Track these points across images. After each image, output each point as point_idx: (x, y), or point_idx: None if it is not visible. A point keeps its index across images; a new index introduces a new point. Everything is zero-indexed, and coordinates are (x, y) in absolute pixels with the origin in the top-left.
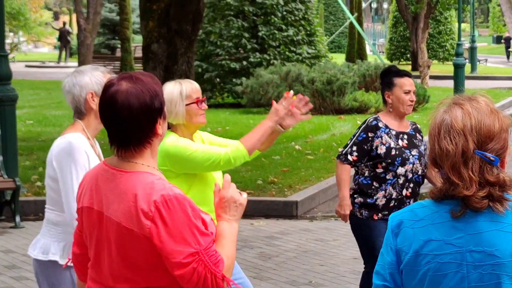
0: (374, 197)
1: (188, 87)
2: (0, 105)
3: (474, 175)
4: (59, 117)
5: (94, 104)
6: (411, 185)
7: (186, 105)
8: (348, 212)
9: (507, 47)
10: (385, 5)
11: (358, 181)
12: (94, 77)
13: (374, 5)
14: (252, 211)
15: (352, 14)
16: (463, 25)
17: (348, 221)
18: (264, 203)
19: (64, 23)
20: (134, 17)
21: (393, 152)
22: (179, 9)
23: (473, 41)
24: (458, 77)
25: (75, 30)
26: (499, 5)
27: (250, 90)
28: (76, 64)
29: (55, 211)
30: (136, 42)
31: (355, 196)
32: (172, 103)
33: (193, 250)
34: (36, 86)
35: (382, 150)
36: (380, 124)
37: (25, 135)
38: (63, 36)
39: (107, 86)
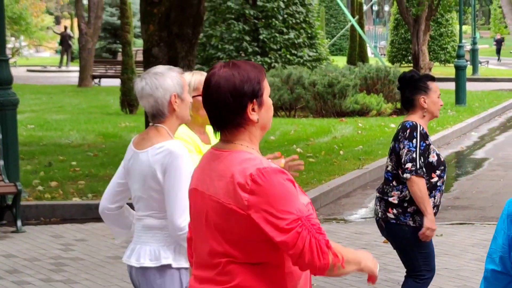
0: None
1: (197, 79)
2: (1, 110)
3: None
4: (61, 122)
5: (177, 105)
6: None
7: (193, 96)
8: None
9: (498, 48)
10: (386, 8)
11: (403, 191)
12: (175, 79)
13: (375, 8)
14: None
15: (353, 16)
16: (464, 27)
17: (385, 234)
18: None
19: (66, 28)
20: (135, 21)
21: (442, 158)
22: (179, 12)
23: (474, 43)
24: (459, 79)
25: (76, 34)
26: (500, 7)
27: None
28: (77, 68)
29: (158, 218)
30: (138, 46)
31: (405, 205)
32: None
33: (295, 217)
34: (37, 91)
35: (434, 158)
36: (425, 131)
37: (26, 140)
38: (65, 40)
39: (208, 71)
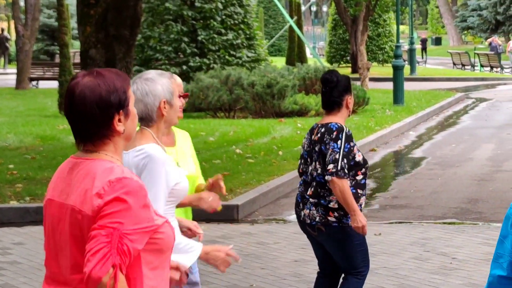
0: (359, 204)
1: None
2: None
3: None
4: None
5: (166, 111)
6: None
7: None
8: (366, 222)
9: (424, 48)
10: (324, 8)
11: None
12: (165, 85)
13: (313, 8)
14: (193, 216)
15: (292, 17)
16: (401, 27)
17: (324, 235)
18: None
19: (2, 30)
20: (73, 23)
21: (363, 156)
22: (116, 14)
23: (412, 43)
24: (397, 79)
25: (13, 36)
26: (437, 7)
27: (190, 95)
28: (15, 70)
29: None
30: (76, 48)
31: (339, 207)
32: None
33: (116, 226)
34: None
35: (360, 157)
36: (351, 132)
37: None
38: (1, 42)
39: (71, 80)
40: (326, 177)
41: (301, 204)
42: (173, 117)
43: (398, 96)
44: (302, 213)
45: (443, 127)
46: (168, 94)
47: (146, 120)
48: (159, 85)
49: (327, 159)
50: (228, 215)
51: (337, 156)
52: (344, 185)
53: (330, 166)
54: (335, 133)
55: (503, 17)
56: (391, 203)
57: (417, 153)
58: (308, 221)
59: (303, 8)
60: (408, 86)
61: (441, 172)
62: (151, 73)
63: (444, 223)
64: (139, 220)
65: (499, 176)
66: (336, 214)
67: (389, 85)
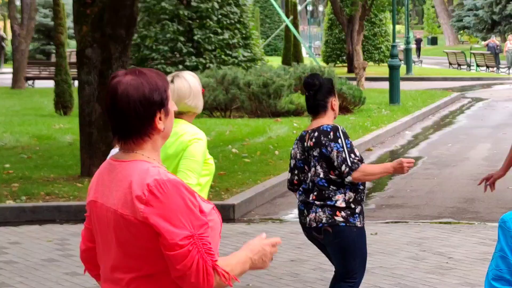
0: (361, 197)
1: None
2: None
3: None
4: None
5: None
6: None
7: None
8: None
9: (418, 47)
10: (320, 8)
11: (347, 192)
12: None
13: (309, 8)
14: None
15: (288, 17)
16: (397, 27)
17: (331, 234)
18: None
19: None
20: (69, 22)
21: (359, 153)
22: (112, 13)
23: (408, 42)
24: (393, 79)
25: (9, 36)
26: (433, 7)
27: None
28: (11, 70)
29: None
30: (72, 47)
31: (352, 207)
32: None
33: (188, 233)
34: None
35: (358, 153)
36: (345, 130)
37: None
38: None
39: (111, 78)
40: (347, 180)
41: (305, 211)
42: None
43: (394, 95)
44: (308, 219)
45: (439, 126)
46: None
47: None
48: None
49: (336, 163)
50: (224, 214)
51: (343, 155)
52: (364, 170)
53: (343, 168)
54: (331, 133)
55: (499, 17)
56: (387, 202)
57: (413, 152)
58: (314, 225)
59: (299, 7)
60: (404, 85)
61: (437, 172)
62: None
63: (440, 222)
64: (191, 210)
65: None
66: (343, 213)
67: (385, 85)
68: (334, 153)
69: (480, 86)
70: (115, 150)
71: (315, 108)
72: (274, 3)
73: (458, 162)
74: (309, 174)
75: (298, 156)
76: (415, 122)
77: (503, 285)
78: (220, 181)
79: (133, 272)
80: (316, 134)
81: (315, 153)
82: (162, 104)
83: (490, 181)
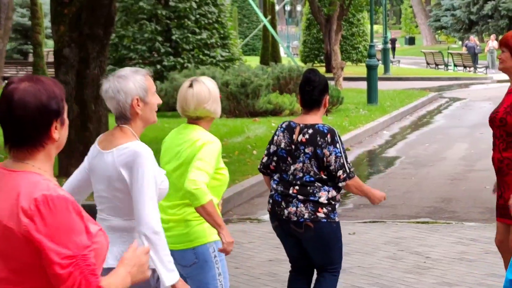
0: (338, 199)
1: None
2: None
3: None
4: None
5: (140, 109)
6: None
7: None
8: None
9: (392, 47)
10: (298, 8)
11: (330, 191)
12: (138, 82)
13: (287, 8)
14: None
15: (266, 16)
16: (375, 27)
17: (312, 230)
18: None
19: None
20: (47, 22)
21: None
22: (90, 13)
23: (385, 42)
24: (371, 79)
25: None
26: (411, 7)
27: (164, 94)
28: None
29: (125, 219)
30: (49, 47)
31: (333, 203)
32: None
33: (71, 253)
34: None
35: None
36: None
37: None
38: None
39: (7, 84)
40: (341, 184)
41: (283, 203)
42: (150, 116)
43: (372, 95)
44: (286, 212)
45: (416, 126)
46: (141, 91)
47: (121, 118)
48: (131, 82)
49: (333, 167)
50: None
51: (342, 161)
52: (358, 183)
53: (340, 173)
54: (329, 135)
55: (476, 17)
56: (365, 202)
57: (391, 152)
58: (295, 219)
59: (277, 7)
60: (382, 85)
61: (415, 172)
62: (125, 70)
63: (418, 222)
64: (76, 229)
65: (472, 175)
66: (325, 210)
67: (363, 85)
68: (332, 158)
69: (457, 86)
70: (139, 143)
71: (312, 103)
72: (252, 3)
73: (436, 162)
74: (292, 167)
75: (282, 145)
76: (393, 122)
77: None
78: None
79: (16, 286)
80: (311, 131)
81: (307, 151)
82: (59, 113)
83: None
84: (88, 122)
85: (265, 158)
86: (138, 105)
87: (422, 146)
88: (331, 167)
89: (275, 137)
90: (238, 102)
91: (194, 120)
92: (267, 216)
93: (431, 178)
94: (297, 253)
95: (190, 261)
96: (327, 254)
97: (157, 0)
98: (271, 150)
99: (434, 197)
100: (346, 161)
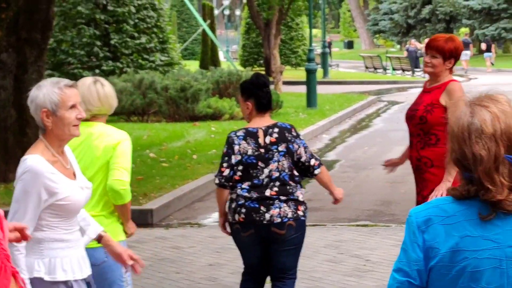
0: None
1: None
2: None
3: (505, 179)
4: None
5: (49, 122)
6: None
7: None
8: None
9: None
10: (237, 12)
11: (302, 190)
12: (48, 95)
13: (226, 12)
14: None
15: (205, 21)
16: (314, 31)
17: (285, 231)
18: None
19: None
20: None
21: None
22: (27, 17)
23: (324, 46)
24: (310, 83)
25: None
26: (349, 11)
27: None
28: None
29: (35, 229)
30: None
31: (306, 203)
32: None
33: None
34: None
35: None
36: None
37: None
38: None
39: None
40: (316, 171)
41: (262, 208)
42: (62, 132)
43: (311, 99)
44: (268, 215)
45: (356, 130)
46: (50, 104)
47: (40, 128)
48: (42, 93)
49: (305, 158)
50: (142, 219)
51: (310, 150)
52: (325, 170)
53: (313, 161)
54: (293, 130)
55: (414, 21)
56: None
57: (330, 156)
58: (279, 220)
59: (216, 11)
60: (321, 89)
61: (354, 175)
62: (46, 81)
63: (358, 225)
64: None
65: (411, 178)
66: (302, 208)
67: (303, 89)
68: (302, 149)
69: (396, 90)
70: (35, 157)
71: (267, 106)
72: (191, 7)
73: (375, 165)
74: (266, 170)
75: (249, 152)
76: (332, 125)
77: (401, 276)
78: (138, 186)
79: None
80: (276, 130)
81: (281, 148)
82: None
83: (390, 163)
84: (26, 127)
85: (227, 171)
86: (48, 118)
87: (361, 149)
88: (303, 159)
89: (236, 147)
90: (178, 107)
91: (96, 117)
92: (207, 221)
93: (371, 181)
94: (259, 262)
95: (100, 260)
96: (296, 256)
97: (96, 4)
98: (234, 161)
99: (374, 200)
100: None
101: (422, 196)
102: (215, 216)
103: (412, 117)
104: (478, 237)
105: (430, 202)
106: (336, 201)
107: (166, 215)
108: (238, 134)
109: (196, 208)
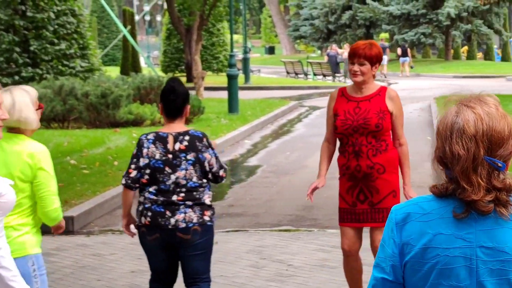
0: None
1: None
2: None
3: (483, 180)
4: None
5: None
6: None
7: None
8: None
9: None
10: (158, 18)
11: (209, 193)
12: None
13: (147, 18)
14: None
15: (125, 27)
16: (235, 37)
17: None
18: None
19: None
20: None
21: None
22: None
23: (246, 52)
24: (231, 88)
25: None
26: (270, 16)
27: None
28: None
29: None
30: None
31: (213, 206)
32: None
33: None
34: None
35: None
36: None
37: None
38: None
39: None
40: (222, 181)
41: (168, 212)
42: None
43: (233, 105)
44: (173, 220)
45: (277, 135)
46: None
47: None
48: None
49: (215, 168)
50: None
51: (219, 161)
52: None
53: (221, 172)
54: (204, 139)
55: (334, 26)
56: (227, 211)
57: (252, 161)
58: (184, 225)
59: (136, 17)
60: (243, 95)
61: (276, 180)
62: None
63: (280, 230)
64: None
65: (333, 183)
66: (209, 213)
67: (224, 94)
68: (213, 159)
69: (317, 95)
70: None
71: (177, 112)
72: (111, 13)
73: (297, 170)
74: (173, 176)
75: (157, 156)
76: (254, 131)
77: (377, 272)
78: (58, 193)
79: None
80: (187, 138)
81: (189, 157)
82: None
83: (312, 189)
84: None
85: (134, 173)
86: None
87: (283, 154)
88: (214, 169)
89: (145, 150)
90: (99, 113)
91: (13, 129)
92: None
93: (293, 186)
94: (166, 267)
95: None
96: (206, 260)
97: (14, 10)
98: (142, 164)
99: (296, 205)
100: (221, 160)
101: (371, 204)
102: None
103: (363, 126)
104: (451, 235)
105: (412, 199)
106: None
107: (87, 222)
108: (148, 137)
109: (118, 215)
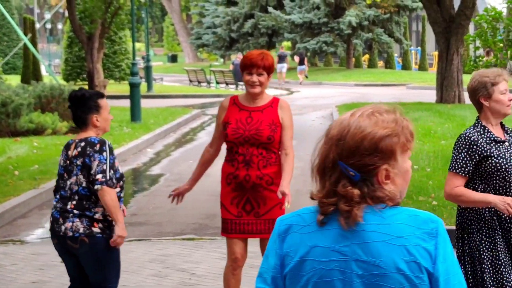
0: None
1: None
2: None
3: (329, 183)
4: None
5: None
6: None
7: None
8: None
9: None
10: (59, 26)
11: (102, 208)
12: None
13: (48, 26)
14: None
15: (26, 35)
16: (138, 45)
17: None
18: None
19: None
20: None
21: (121, 171)
22: None
23: (148, 60)
24: (134, 96)
25: None
26: (172, 25)
27: None
28: None
29: None
30: None
31: (109, 219)
32: None
33: None
34: None
35: (120, 170)
36: (111, 146)
37: None
38: None
39: None
40: (96, 187)
41: (61, 219)
42: None
43: (135, 113)
44: (63, 228)
45: (180, 143)
46: None
47: None
48: None
49: (94, 170)
50: None
51: (104, 167)
52: (113, 194)
53: (99, 176)
54: (98, 145)
55: (237, 35)
56: (130, 220)
57: (155, 170)
58: (71, 234)
59: (37, 25)
60: (145, 103)
61: None
62: None
63: (183, 239)
64: None
65: None
66: (100, 225)
67: (126, 103)
68: (96, 163)
69: (219, 103)
70: None
71: (77, 121)
72: (11, 21)
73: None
74: (68, 182)
75: (61, 163)
76: (156, 139)
77: (260, 282)
78: None
79: None
80: (83, 144)
81: (78, 162)
82: None
83: (177, 193)
84: None
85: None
86: None
87: (186, 163)
88: (92, 171)
89: (60, 158)
90: None
91: None
92: (30, 237)
93: (196, 195)
94: (77, 273)
95: None
96: (101, 272)
97: None
98: (58, 171)
99: (199, 214)
100: (110, 171)
101: (257, 215)
102: (38, 232)
103: (254, 137)
104: (327, 248)
105: (297, 210)
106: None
107: None
108: (65, 144)
109: (19, 225)
